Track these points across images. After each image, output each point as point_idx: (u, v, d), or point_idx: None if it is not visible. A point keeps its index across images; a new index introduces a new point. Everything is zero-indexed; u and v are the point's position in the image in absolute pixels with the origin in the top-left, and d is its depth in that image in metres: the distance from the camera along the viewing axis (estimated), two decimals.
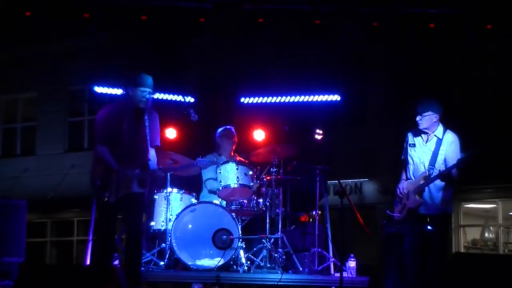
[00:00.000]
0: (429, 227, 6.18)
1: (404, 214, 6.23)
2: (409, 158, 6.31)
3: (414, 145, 6.28)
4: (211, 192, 7.43)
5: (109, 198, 5.62)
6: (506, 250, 13.62)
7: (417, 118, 6.21)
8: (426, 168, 6.14)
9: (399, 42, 13.21)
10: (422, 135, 6.25)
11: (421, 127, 6.21)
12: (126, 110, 5.77)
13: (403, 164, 6.39)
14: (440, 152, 6.11)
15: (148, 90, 5.78)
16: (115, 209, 5.69)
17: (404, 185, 6.29)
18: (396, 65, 13.63)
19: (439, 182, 6.09)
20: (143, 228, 6.03)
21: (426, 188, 6.11)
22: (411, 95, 12.77)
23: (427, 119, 6.17)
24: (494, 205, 14.03)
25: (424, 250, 6.20)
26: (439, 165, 6.11)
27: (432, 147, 6.17)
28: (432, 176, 6.08)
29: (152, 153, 5.87)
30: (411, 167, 6.28)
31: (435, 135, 6.19)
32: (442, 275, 5.92)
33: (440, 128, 6.22)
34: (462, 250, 13.51)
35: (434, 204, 6.12)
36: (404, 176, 6.37)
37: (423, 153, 6.20)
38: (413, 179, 6.24)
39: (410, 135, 6.34)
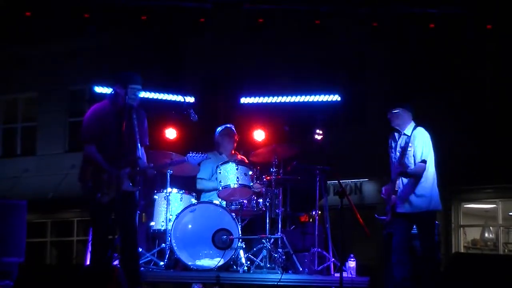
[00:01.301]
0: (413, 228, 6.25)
1: (390, 215, 6.26)
2: (390, 160, 6.37)
3: (391, 147, 6.37)
4: (199, 190, 7.44)
5: (102, 198, 5.59)
6: (506, 250, 13.61)
7: (388, 115, 6.34)
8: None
9: (399, 42, 13.20)
10: (396, 134, 6.35)
11: (392, 124, 6.35)
12: (115, 109, 5.74)
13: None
14: (409, 149, 6.17)
15: (138, 87, 5.75)
16: (109, 209, 5.65)
17: (387, 187, 6.34)
18: (396, 65, 13.62)
19: (406, 179, 6.13)
20: (137, 227, 6.00)
21: (401, 186, 6.15)
22: (411, 95, 12.80)
23: (395, 115, 6.30)
24: (494, 205, 14.03)
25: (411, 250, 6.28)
26: (410, 162, 6.16)
27: (403, 145, 6.21)
28: (397, 173, 6.14)
29: (142, 152, 5.85)
30: (391, 168, 6.33)
31: (404, 133, 6.27)
32: (441, 276, 5.93)
33: (411, 126, 6.29)
34: (462, 250, 13.51)
35: (409, 202, 6.14)
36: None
37: (397, 153, 6.27)
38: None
39: (389, 139, 6.44)
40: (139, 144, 5.77)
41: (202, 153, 6.55)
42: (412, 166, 6.13)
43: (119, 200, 5.61)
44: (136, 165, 5.73)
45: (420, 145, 6.15)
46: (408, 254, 6.18)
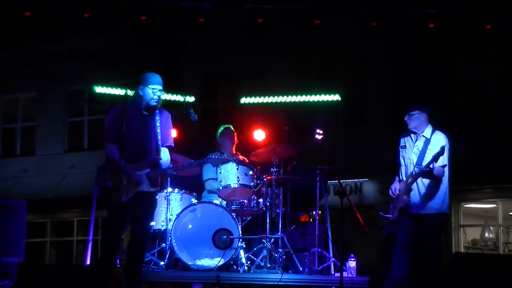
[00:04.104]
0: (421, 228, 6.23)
1: (396, 214, 6.26)
2: (401, 160, 6.40)
3: (404, 146, 6.40)
4: (211, 192, 7.43)
5: (120, 197, 5.59)
6: (506, 250, 13.60)
7: (405, 118, 6.33)
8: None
9: (399, 42, 13.20)
10: (412, 135, 6.36)
11: (409, 126, 6.33)
12: (136, 109, 5.77)
13: (398, 166, 6.47)
14: (427, 151, 6.18)
15: (159, 88, 5.78)
16: (126, 209, 5.67)
17: (396, 186, 6.36)
18: (396, 65, 13.62)
19: (426, 181, 6.14)
20: (149, 229, 6.00)
21: (415, 187, 6.17)
22: (411, 95, 12.79)
23: (414, 118, 6.30)
24: (494, 205, 14.01)
25: (417, 252, 6.26)
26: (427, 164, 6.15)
27: (420, 147, 6.25)
28: (414, 173, 6.13)
29: (165, 152, 5.86)
30: (403, 168, 6.38)
31: (423, 135, 6.30)
32: (441, 276, 5.93)
33: (429, 129, 6.31)
34: (462, 250, 13.50)
35: (423, 203, 6.17)
36: (397, 178, 6.42)
37: (412, 153, 6.29)
38: (405, 179, 6.31)
39: (402, 139, 6.43)
40: (160, 145, 5.78)
41: (221, 156, 6.57)
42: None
43: (137, 200, 5.64)
44: (156, 166, 5.74)
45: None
46: (410, 254, 6.18)
